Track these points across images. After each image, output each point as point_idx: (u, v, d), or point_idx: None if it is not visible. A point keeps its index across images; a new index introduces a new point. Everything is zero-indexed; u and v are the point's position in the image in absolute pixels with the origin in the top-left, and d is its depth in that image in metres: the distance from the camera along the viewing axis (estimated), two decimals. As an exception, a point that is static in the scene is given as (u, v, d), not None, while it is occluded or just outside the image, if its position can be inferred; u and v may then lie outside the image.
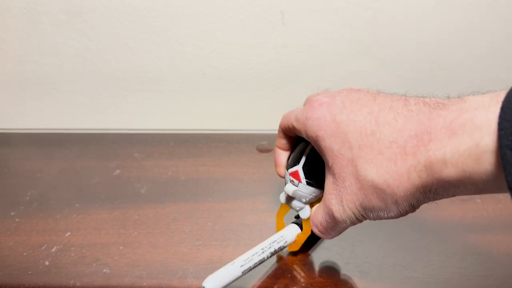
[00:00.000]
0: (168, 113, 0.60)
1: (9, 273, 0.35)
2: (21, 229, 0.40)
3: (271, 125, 0.58)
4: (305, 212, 0.34)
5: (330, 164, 0.29)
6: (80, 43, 0.55)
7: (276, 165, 0.36)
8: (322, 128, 0.28)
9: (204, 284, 0.29)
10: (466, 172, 0.21)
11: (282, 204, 0.35)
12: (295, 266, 0.36)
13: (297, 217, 0.37)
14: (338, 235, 0.32)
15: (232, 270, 0.31)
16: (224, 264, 0.31)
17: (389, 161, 0.25)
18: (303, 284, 0.34)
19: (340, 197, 0.29)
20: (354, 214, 0.28)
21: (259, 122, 0.59)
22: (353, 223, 0.30)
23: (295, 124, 0.31)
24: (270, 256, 0.33)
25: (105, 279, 0.35)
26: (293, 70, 0.57)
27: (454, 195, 0.24)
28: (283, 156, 0.35)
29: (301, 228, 0.35)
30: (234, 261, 0.31)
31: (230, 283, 0.30)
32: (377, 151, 0.26)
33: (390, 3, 0.53)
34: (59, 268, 0.36)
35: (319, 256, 0.37)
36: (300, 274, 0.35)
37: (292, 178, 0.33)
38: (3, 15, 0.53)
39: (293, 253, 0.37)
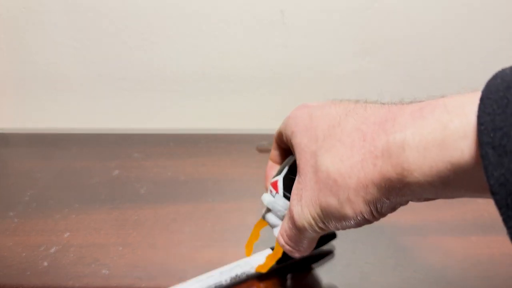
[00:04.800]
0: (168, 113, 0.60)
1: (8, 273, 0.35)
2: (20, 229, 0.40)
3: (271, 125, 0.58)
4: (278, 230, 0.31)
5: (298, 162, 0.27)
6: (80, 43, 0.55)
7: (265, 177, 0.33)
8: (298, 124, 0.27)
9: None
10: (428, 159, 0.19)
11: (261, 218, 0.33)
12: (296, 268, 0.36)
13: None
14: (305, 251, 0.29)
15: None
16: (226, 265, 0.31)
17: (346, 148, 0.23)
18: (305, 286, 0.34)
19: (300, 196, 0.26)
20: (312, 216, 0.25)
21: (259, 122, 0.59)
22: (314, 231, 0.26)
23: (281, 127, 0.30)
24: (231, 282, 0.32)
25: (104, 280, 0.35)
26: (293, 69, 0.57)
27: (420, 197, 0.21)
28: (274, 169, 0.33)
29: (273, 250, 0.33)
30: (187, 281, 0.31)
31: None
32: (338, 139, 0.24)
33: (390, 3, 0.52)
34: (58, 269, 0.36)
35: (321, 257, 0.37)
36: (301, 275, 0.35)
37: (271, 188, 0.31)
38: (3, 15, 0.53)
39: (260, 277, 0.34)
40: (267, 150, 0.53)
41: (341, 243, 0.37)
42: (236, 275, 0.32)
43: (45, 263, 0.36)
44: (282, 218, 0.30)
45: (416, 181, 0.19)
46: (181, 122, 0.60)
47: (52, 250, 0.38)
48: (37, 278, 0.35)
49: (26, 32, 0.54)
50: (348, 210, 0.23)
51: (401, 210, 0.27)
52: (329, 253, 0.37)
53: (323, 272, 0.35)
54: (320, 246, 0.37)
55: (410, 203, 0.23)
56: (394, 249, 0.37)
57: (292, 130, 0.28)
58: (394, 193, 0.21)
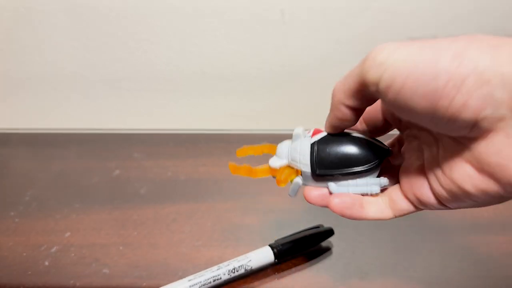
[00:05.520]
0: (168, 113, 0.60)
1: (9, 273, 0.35)
2: (20, 229, 0.40)
3: (271, 125, 0.58)
4: (275, 162, 0.28)
5: None
6: (80, 43, 0.55)
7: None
8: None
9: None
10: None
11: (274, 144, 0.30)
12: (295, 267, 0.36)
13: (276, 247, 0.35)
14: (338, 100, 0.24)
15: (178, 284, 0.31)
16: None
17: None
18: (304, 285, 0.34)
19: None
20: (387, 68, 0.19)
21: (259, 122, 0.59)
22: (366, 86, 0.21)
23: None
24: (230, 277, 0.33)
25: (105, 280, 0.35)
26: (293, 69, 0.57)
27: None
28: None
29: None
30: (185, 278, 0.32)
31: None
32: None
33: (390, 3, 0.52)
34: (59, 269, 0.36)
35: (320, 257, 0.37)
36: (300, 275, 0.35)
37: (311, 131, 0.28)
38: (2, 15, 0.53)
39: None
40: (267, 150, 0.53)
41: (341, 243, 0.37)
42: (234, 268, 0.32)
43: (46, 263, 0.36)
44: (290, 160, 0.27)
45: None
46: (181, 122, 0.60)
47: (53, 250, 0.38)
48: (38, 278, 0.35)
49: (25, 32, 0.54)
50: (457, 103, 0.17)
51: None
52: (327, 250, 0.37)
53: (323, 271, 0.35)
54: (318, 243, 0.37)
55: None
56: (394, 249, 0.37)
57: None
58: None
